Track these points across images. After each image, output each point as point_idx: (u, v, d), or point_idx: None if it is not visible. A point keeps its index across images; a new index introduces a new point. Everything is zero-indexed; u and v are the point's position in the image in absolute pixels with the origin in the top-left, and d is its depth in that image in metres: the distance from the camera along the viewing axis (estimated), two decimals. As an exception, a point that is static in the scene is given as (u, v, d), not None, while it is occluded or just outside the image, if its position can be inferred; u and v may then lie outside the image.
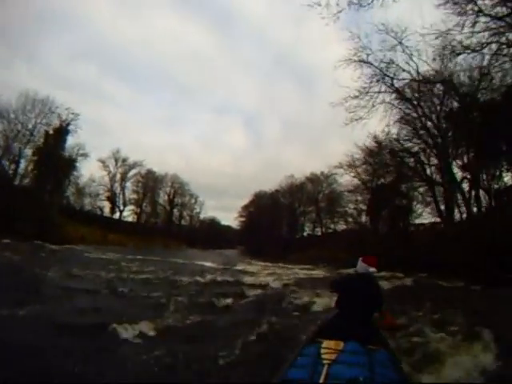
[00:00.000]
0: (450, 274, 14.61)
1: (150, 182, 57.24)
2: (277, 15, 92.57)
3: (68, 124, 35.62)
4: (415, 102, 22.61)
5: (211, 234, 68.18)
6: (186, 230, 64.96)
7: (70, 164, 36.99)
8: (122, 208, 54.70)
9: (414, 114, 23.08)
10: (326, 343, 2.86)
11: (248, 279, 15.57)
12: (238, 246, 65.23)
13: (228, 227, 75.07)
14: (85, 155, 45.23)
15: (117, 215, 54.78)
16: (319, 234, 45.96)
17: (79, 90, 78.22)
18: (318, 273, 21.20)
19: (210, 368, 4.61)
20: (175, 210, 63.73)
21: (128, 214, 56.12)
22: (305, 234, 49.45)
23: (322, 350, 2.74)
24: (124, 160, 54.37)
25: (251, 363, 4.81)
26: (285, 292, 11.58)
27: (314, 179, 44.91)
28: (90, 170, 58.24)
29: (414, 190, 25.83)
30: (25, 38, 65.38)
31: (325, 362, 2.57)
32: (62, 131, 34.99)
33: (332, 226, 42.57)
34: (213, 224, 71.48)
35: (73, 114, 35.80)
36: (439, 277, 14.73)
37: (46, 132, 34.41)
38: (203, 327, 6.58)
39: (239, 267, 23.39)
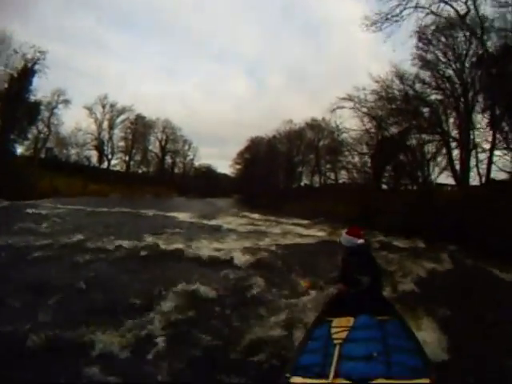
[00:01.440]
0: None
1: (140, 128, 53.62)
2: None
3: (34, 64, 31.18)
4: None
5: (206, 182, 65.17)
6: (178, 178, 62.43)
7: (35, 108, 32.75)
8: (110, 157, 51.39)
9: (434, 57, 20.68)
10: (336, 321, 2.88)
11: (211, 246, 11.24)
12: (233, 195, 62.57)
13: (225, 175, 71.88)
14: (66, 102, 42.64)
15: (105, 165, 51.70)
16: (318, 185, 43.64)
17: (77, 42, 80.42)
18: (314, 233, 17.79)
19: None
20: (167, 157, 60.86)
21: (117, 163, 52.94)
22: (302, 184, 46.71)
23: (333, 330, 2.73)
24: (112, 106, 50.50)
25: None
26: (248, 281, 7.16)
27: (314, 125, 41.33)
28: (75, 119, 56.18)
29: (425, 144, 22.88)
30: None
31: (336, 341, 2.54)
32: (28, 72, 30.56)
33: (332, 177, 39.36)
34: (208, 172, 68.55)
35: (40, 52, 31.43)
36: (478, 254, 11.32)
37: (11, 75, 30.01)
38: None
39: (218, 221, 20.29)
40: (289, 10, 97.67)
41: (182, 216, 21.71)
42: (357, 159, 31.12)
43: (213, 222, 19.75)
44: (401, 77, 22.74)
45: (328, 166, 39.86)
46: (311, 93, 74.06)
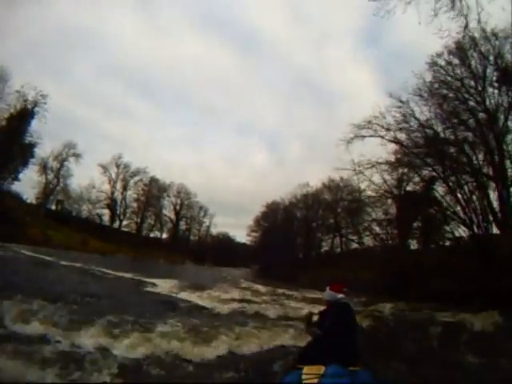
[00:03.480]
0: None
1: (154, 191, 51.60)
2: (298, 38, 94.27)
3: (34, 106, 30.59)
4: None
5: (223, 251, 61.54)
6: (194, 245, 58.75)
7: (29, 149, 31.52)
8: (121, 217, 49.28)
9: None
10: (306, 369, 2.87)
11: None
12: (252, 265, 58.15)
13: (243, 244, 68.08)
14: (77, 156, 42.45)
15: (117, 225, 49.35)
16: (339, 250, 39.52)
17: (104, 107, 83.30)
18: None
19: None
20: (182, 223, 57.54)
21: (128, 224, 50.96)
22: (322, 250, 41.97)
23: (304, 376, 2.76)
24: (126, 166, 49.47)
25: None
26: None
27: (332, 186, 37.55)
28: (90, 175, 56.23)
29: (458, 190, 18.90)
30: (53, 56, 73.28)
31: None
32: (27, 113, 29.82)
33: (354, 241, 34.88)
34: (226, 240, 64.79)
35: (42, 95, 31.12)
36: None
37: (11, 114, 29.33)
38: None
39: (211, 293, 15.77)
40: (301, 82, 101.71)
41: (164, 286, 17.05)
42: (376, 220, 26.91)
43: (192, 297, 14.30)
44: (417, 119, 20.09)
45: (349, 229, 35.44)
46: (327, 159, 72.58)
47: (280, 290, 20.95)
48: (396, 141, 20.80)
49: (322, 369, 2.77)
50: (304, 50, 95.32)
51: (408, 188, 23.72)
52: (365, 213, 28.98)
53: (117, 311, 7.70)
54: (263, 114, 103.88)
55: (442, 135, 19.44)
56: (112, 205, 49.71)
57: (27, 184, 40.92)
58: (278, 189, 59.05)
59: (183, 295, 13.80)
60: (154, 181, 52.57)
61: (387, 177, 23.50)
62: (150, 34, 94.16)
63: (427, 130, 19.90)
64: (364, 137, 21.16)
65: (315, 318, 4.17)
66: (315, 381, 2.63)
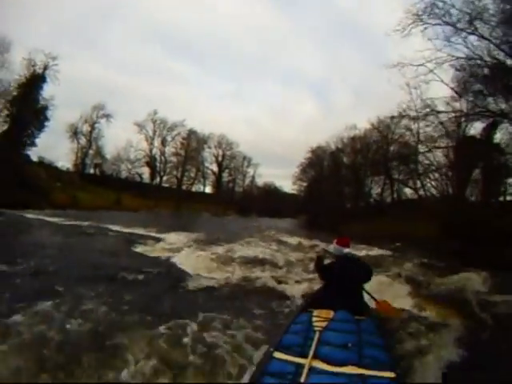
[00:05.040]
0: None
1: (193, 143, 49.72)
2: None
3: (44, 69, 29.01)
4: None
5: (269, 202, 59.50)
6: (239, 197, 56.88)
7: (42, 113, 30.37)
8: (162, 174, 48.44)
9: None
10: (317, 312, 3.15)
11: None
12: (299, 216, 55.76)
13: (292, 195, 65.59)
14: (107, 116, 41.73)
15: (157, 181, 49.46)
16: (389, 200, 35.80)
17: (146, 72, 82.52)
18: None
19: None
20: (225, 175, 55.63)
21: (169, 179, 50.05)
22: (371, 199, 38.66)
23: (314, 318, 3.01)
24: (162, 121, 48.07)
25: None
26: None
27: (381, 128, 32.68)
28: (127, 135, 57.98)
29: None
30: (90, 30, 74.62)
31: (316, 329, 2.80)
32: (37, 78, 28.23)
33: (406, 190, 30.84)
34: (271, 191, 62.38)
35: (52, 58, 29.41)
36: None
37: (21, 82, 28.80)
38: None
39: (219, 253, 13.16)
40: (344, 26, 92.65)
41: (169, 241, 14.54)
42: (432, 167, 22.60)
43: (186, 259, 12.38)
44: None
45: (401, 176, 31.00)
46: (375, 107, 66.46)
47: (319, 245, 17.55)
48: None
49: (330, 313, 3.06)
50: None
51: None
52: (418, 158, 24.74)
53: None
54: (308, 63, 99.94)
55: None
56: (151, 162, 49.19)
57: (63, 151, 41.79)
58: (326, 138, 55.09)
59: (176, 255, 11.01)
60: (192, 133, 50.93)
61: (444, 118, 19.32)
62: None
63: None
64: (426, 25, 16.12)
65: (326, 260, 4.26)
66: (324, 324, 2.85)
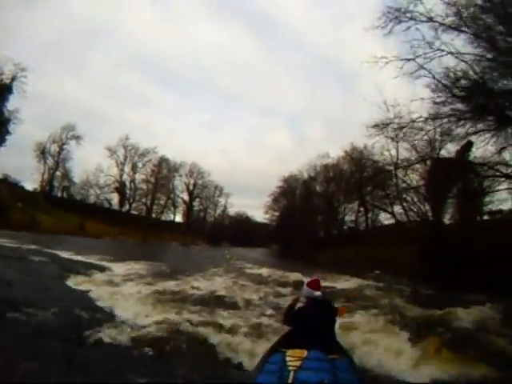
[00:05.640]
0: None
1: (164, 171, 48.56)
2: (315, 19, 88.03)
3: (13, 79, 27.52)
4: None
5: (241, 232, 58.61)
6: (210, 227, 55.72)
7: (4, 125, 28.83)
8: (131, 200, 46.59)
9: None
10: (290, 352, 2.95)
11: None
12: (271, 245, 54.93)
13: (264, 224, 64.97)
14: (77, 138, 40.22)
15: (126, 208, 47.49)
16: (364, 227, 36.03)
17: (122, 97, 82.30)
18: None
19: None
20: (196, 203, 54.40)
21: (138, 207, 48.32)
22: (345, 227, 38.89)
23: (287, 358, 2.82)
24: (134, 147, 47.02)
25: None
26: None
27: (354, 154, 32.89)
28: (98, 159, 56.28)
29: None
30: (71, 52, 75.63)
31: (291, 368, 2.65)
32: (3, 88, 26.91)
33: (381, 217, 31.02)
34: (243, 220, 61.49)
35: (21, 69, 28.03)
36: None
37: None
38: None
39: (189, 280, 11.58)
40: (321, 63, 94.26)
41: (116, 271, 12.86)
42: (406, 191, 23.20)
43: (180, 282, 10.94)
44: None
45: (375, 202, 30.98)
46: (348, 140, 68.30)
47: (289, 276, 15.33)
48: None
49: (304, 353, 2.89)
50: (322, 30, 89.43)
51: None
52: (392, 184, 24.84)
53: None
54: (284, 97, 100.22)
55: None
56: (121, 188, 47.52)
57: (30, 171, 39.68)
58: (299, 167, 55.80)
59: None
60: (164, 160, 49.67)
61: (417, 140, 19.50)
62: (166, 21, 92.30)
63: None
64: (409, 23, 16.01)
65: (299, 304, 4.13)
66: (298, 363, 2.71)
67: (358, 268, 19.09)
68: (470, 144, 17.09)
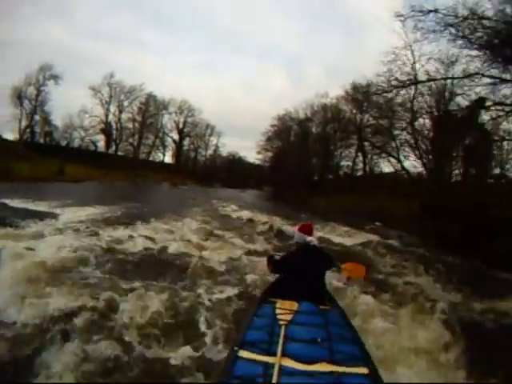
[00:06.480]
0: None
1: (152, 109, 45.33)
2: None
3: None
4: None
5: (234, 172, 57.21)
6: (201, 167, 53.82)
7: None
8: (118, 141, 44.14)
9: None
10: (280, 303, 3.01)
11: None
12: (265, 187, 53.61)
13: (258, 166, 63.47)
14: (54, 77, 36.74)
15: (113, 150, 45.24)
16: (361, 174, 34.27)
17: (115, 40, 78.88)
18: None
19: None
20: (186, 143, 51.91)
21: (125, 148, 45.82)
22: (341, 172, 37.48)
23: (277, 311, 2.86)
24: (119, 85, 43.64)
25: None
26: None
27: (355, 96, 30.03)
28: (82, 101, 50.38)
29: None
30: None
31: (281, 322, 2.65)
32: None
33: (381, 164, 29.43)
34: (236, 161, 59.72)
35: None
36: None
37: None
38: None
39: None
40: (326, 6, 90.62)
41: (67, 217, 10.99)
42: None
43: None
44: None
45: (375, 150, 29.04)
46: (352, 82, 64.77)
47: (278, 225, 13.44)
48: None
49: (294, 305, 2.90)
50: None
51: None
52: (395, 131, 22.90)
53: None
54: (284, 36, 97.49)
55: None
56: (107, 129, 44.81)
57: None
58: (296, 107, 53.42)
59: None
60: (151, 97, 46.43)
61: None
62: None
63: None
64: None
65: (277, 257, 3.98)
66: (289, 317, 2.71)
67: (355, 217, 18.25)
68: (481, 100, 15.48)
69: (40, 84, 38.86)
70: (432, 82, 17.75)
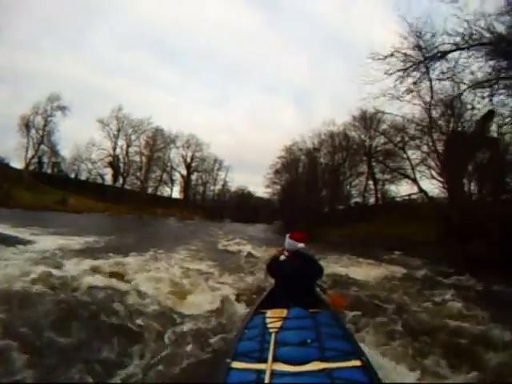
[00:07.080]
0: None
1: (159, 143, 45.29)
2: None
3: None
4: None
5: (242, 207, 56.20)
6: (209, 202, 53.77)
7: None
8: (125, 175, 43.85)
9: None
10: (270, 312, 3.01)
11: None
12: (274, 221, 52.18)
13: (268, 200, 62.44)
14: (63, 109, 37.30)
15: (120, 183, 45.01)
16: (372, 202, 33.35)
17: (129, 77, 79.41)
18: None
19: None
20: (194, 177, 51.43)
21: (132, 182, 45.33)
22: (352, 202, 36.02)
23: (268, 320, 2.85)
24: (127, 119, 44.27)
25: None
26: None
27: (364, 121, 29.23)
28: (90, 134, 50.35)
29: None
30: (72, 30, 72.90)
31: (271, 330, 2.66)
32: None
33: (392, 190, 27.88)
34: (245, 195, 58.95)
35: None
36: None
37: None
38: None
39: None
40: (329, 39, 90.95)
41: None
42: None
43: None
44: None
45: (386, 176, 27.70)
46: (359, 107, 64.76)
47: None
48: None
49: (284, 312, 2.92)
50: (331, 6, 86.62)
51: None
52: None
53: None
54: (293, 71, 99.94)
55: None
56: (114, 162, 44.91)
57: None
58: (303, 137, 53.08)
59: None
60: (159, 131, 46.58)
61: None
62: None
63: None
64: None
65: (282, 257, 3.98)
66: (278, 324, 2.71)
67: (371, 247, 17.20)
68: (491, 113, 14.98)
69: (48, 114, 39.52)
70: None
